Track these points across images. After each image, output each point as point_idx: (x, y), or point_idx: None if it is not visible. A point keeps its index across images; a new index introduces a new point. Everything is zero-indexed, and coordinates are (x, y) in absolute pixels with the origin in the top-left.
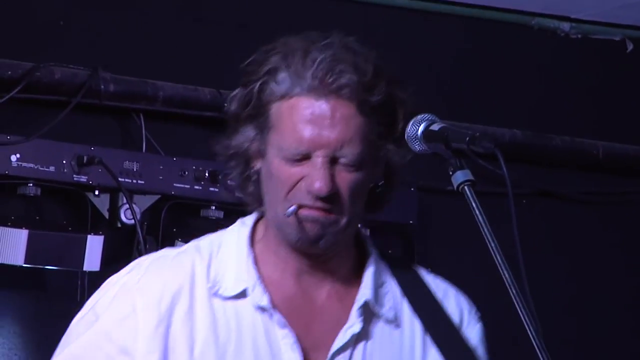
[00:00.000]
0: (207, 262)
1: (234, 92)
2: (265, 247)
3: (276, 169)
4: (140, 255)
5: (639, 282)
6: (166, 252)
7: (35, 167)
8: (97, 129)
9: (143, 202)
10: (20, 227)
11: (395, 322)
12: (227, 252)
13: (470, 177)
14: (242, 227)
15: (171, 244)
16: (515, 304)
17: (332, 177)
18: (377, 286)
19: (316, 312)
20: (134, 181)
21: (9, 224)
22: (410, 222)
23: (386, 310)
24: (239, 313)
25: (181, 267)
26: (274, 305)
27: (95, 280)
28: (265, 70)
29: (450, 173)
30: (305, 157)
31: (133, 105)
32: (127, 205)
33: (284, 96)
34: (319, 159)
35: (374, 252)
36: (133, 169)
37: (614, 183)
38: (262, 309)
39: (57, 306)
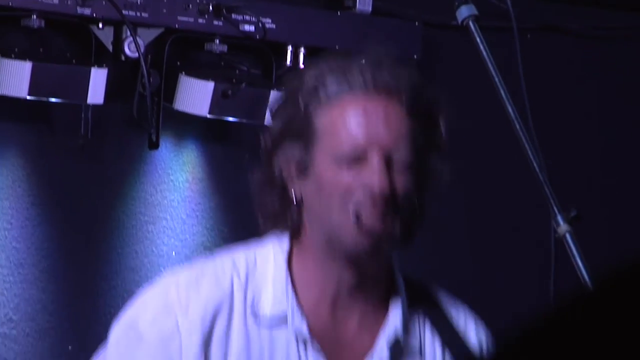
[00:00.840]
0: (244, 281)
1: (274, 111)
2: (302, 269)
3: (330, 177)
4: (144, 89)
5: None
6: (203, 267)
7: None
8: None
9: (147, 36)
10: (24, 59)
11: (420, 354)
12: (263, 272)
13: (475, 11)
14: (278, 246)
15: (175, 77)
16: (520, 138)
17: (390, 178)
18: (405, 317)
19: (347, 343)
20: (138, 14)
21: (13, 56)
22: (415, 56)
23: (412, 342)
24: (273, 342)
25: (219, 285)
26: (310, 333)
27: (99, 114)
28: (311, 78)
29: (455, 8)
30: (361, 158)
31: None
32: (130, 39)
33: (333, 100)
34: (375, 159)
35: (401, 279)
36: (137, 2)
37: (620, 17)
38: (299, 338)
39: (61, 139)
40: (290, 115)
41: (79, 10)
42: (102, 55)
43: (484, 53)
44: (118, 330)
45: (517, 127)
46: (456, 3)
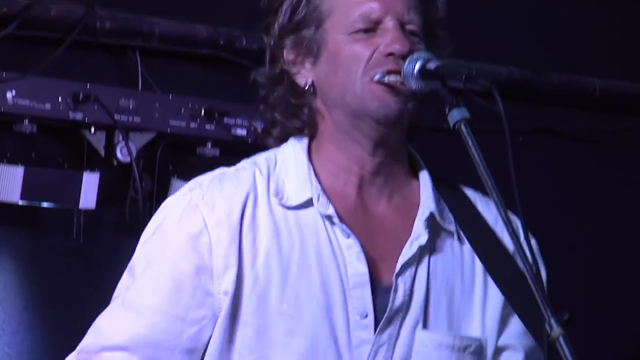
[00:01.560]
0: (267, 175)
1: (275, 7)
2: (324, 159)
3: (347, 50)
4: (136, 193)
5: (633, 217)
6: (224, 170)
7: (31, 104)
8: (93, 66)
9: (139, 140)
10: (16, 164)
11: (459, 237)
12: (285, 167)
13: (467, 115)
14: (297, 143)
15: (167, 182)
16: (512, 242)
17: (408, 39)
18: (437, 200)
19: (378, 224)
20: (130, 119)
21: (5, 160)
22: None
23: (449, 224)
24: (301, 222)
25: (242, 181)
26: (338, 215)
27: (91, 219)
28: None
29: (447, 111)
30: (374, 27)
31: (129, 42)
32: (123, 143)
33: None
34: (390, 22)
35: (424, 165)
36: (129, 107)
37: (610, 120)
38: (327, 218)
39: (54, 244)
40: (293, 7)
41: (71, 115)
42: (94, 160)
43: (476, 156)
44: (144, 238)
45: (510, 230)
46: (448, 106)
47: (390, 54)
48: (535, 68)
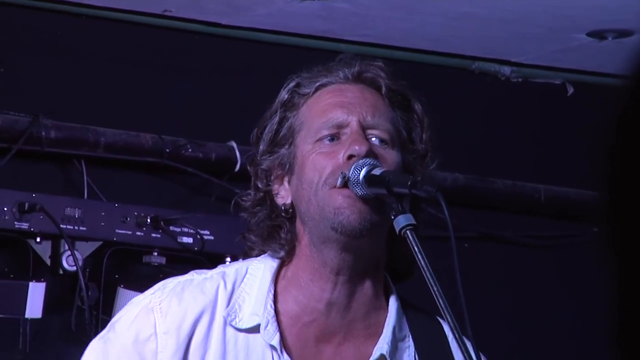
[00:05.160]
0: (231, 290)
1: (256, 137)
2: (290, 282)
3: (310, 160)
4: (82, 302)
5: (580, 323)
6: (192, 276)
7: None
8: (39, 176)
9: (85, 249)
10: None
11: None
12: (249, 284)
13: (412, 221)
14: (269, 261)
15: (113, 290)
16: (458, 348)
17: (370, 143)
18: (397, 340)
19: (330, 355)
20: (76, 227)
21: None
22: None
23: (407, 358)
24: (249, 347)
25: (204, 293)
26: (285, 344)
27: (38, 328)
28: (286, 90)
29: (392, 217)
30: (340, 129)
31: (74, 151)
32: (69, 252)
33: (308, 95)
34: (352, 124)
35: (395, 301)
36: (75, 216)
37: (555, 226)
38: (272, 347)
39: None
40: (271, 132)
41: (17, 224)
42: (40, 269)
43: (422, 262)
44: (103, 331)
45: (455, 335)
46: (393, 213)
47: (351, 157)
48: (480, 174)
